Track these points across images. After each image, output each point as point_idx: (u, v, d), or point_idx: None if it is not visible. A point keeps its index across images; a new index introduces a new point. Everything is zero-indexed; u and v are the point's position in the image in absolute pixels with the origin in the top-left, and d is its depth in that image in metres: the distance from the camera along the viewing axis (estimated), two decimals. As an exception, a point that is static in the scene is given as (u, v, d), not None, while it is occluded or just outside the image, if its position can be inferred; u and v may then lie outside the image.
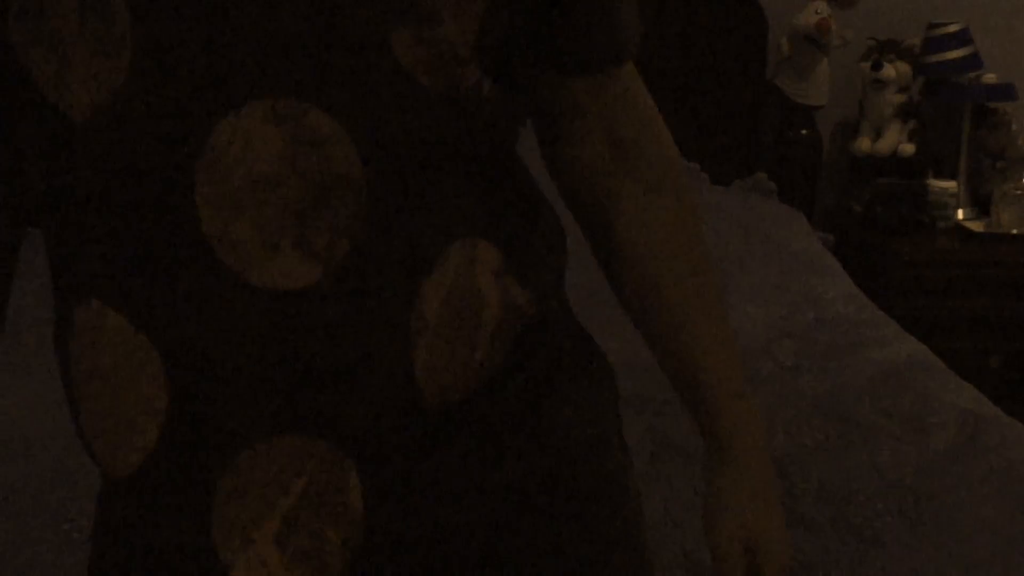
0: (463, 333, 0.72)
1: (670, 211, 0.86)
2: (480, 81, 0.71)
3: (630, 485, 0.86)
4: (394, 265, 0.69)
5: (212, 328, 0.68)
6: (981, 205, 2.89)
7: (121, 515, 0.75)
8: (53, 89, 0.68)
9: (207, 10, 0.64)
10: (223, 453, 0.70)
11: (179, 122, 0.66)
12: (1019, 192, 2.80)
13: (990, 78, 2.83)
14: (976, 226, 2.82)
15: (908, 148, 2.86)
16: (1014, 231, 2.77)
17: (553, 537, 0.78)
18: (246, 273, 0.67)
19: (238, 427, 0.69)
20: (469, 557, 0.75)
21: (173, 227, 0.67)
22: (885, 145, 2.87)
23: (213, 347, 0.68)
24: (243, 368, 0.68)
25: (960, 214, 2.87)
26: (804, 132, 2.88)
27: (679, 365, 0.89)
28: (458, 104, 0.70)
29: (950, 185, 2.84)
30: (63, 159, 0.70)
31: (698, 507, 1.53)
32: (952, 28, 2.81)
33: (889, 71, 2.83)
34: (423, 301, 0.70)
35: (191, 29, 0.64)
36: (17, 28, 0.67)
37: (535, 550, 0.77)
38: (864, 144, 2.90)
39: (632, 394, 1.74)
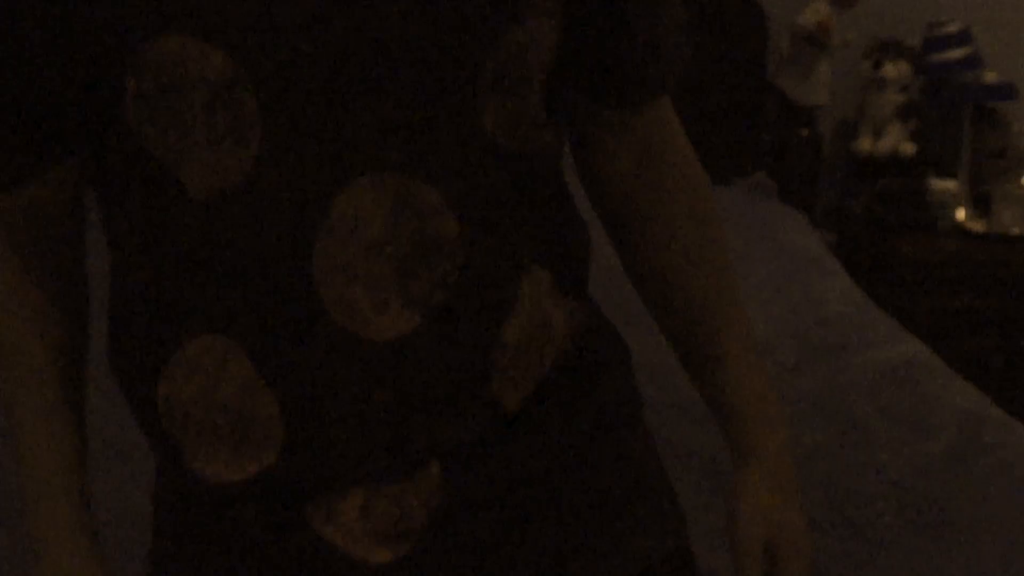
0: (536, 354, 0.83)
1: (698, 237, 0.92)
2: (544, 135, 0.82)
3: (651, 442, 0.96)
4: (482, 308, 0.79)
5: (326, 379, 0.77)
6: (981, 205, 2.89)
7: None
8: (173, 168, 0.75)
9: (327, 99, 0.72)
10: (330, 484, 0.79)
11: (300, 201, 0.73)
12: (1019, 192, 2.80)
13: (990, 78, 2.83)
14: (976, 226, 2.82)
15: (908, 148, 2.86)
16: (1014, 231, 2.77)
17: (601, 480, 0.88)
18: (358, 330, 0.76)
19: (344, 457, 0.78)
20: (535, 508, 0.84)
21: (290, 291, 0.75)
22: (885, 145, 2.87)
23: (326, 395, 0.77)
24: (351, 409, 0.77)
25: (960, 214, 2.87)
26: (804, 132, 2.88)
27: (703, 370, 0.95)
28: (533, 159, 0.81)
29: (950, 185, 2.84)
30: (173, 226, 0.77)
31: (699, 506, 1.54)
32: (952, 28, 2.81)
33: (889, 71, 2.83)
34: (504, 335, 0.80)
35: (314, 117, 0.72)
36: (137, 110, 0.74)
37: (587, 495, 0.87)
38: (864, 144, 2.90)
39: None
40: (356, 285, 0.75)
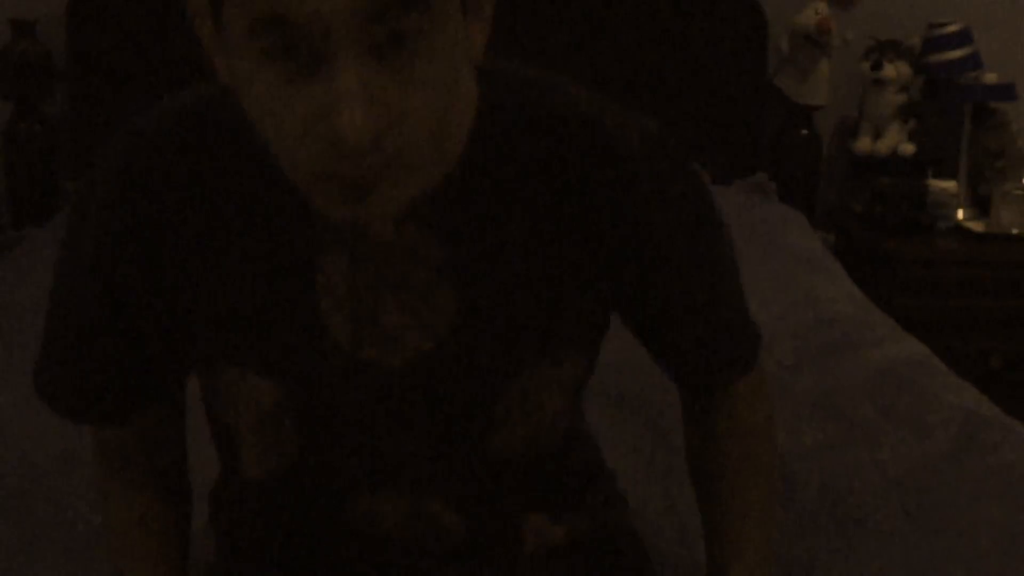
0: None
1: (756, 500, 1.04)
2: (559, 433, 0.94)
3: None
4: (492, 551, 0.96)
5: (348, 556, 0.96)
6: (981, 205, 2.89)
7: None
8: (224, 451, 0.97)
9: (351, 429, 0.88)
10: None
11: (327, 497, 0.92)
12: (1019, 192, 2.80)
13: (990, 78, 2.83)
14: (976, 226, 2.82)
15: (908, 148, 2.86)
16: (1014, 231, 2.77)
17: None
18: (383, 549, 0.94)
19: None
20: None
21: (322, 538, 0.95)
22: (885, 145, 2.87)
23: None
24: None
25: (960, 214, 2.87)
26: (804, 132, 2.88)
27: (713, 553, 1.05)
28: (540, 455, 0.93)
29: (950, 185, 2.84)
30: (236, 489, 0.99)
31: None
32: (952, 28, 2.81)
33: (889, 71, 2.83)
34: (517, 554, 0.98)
35: (340, 446, 0.88)
36: (209, 401, 0.94)
37: None
38: (864, 144, 2.90)
39: (632, 394, 1.74)
40: (378, 538, 0.94)
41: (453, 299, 0.84)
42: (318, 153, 0.69)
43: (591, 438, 1.08)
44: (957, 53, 2.81)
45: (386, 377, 0.85)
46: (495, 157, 0.84)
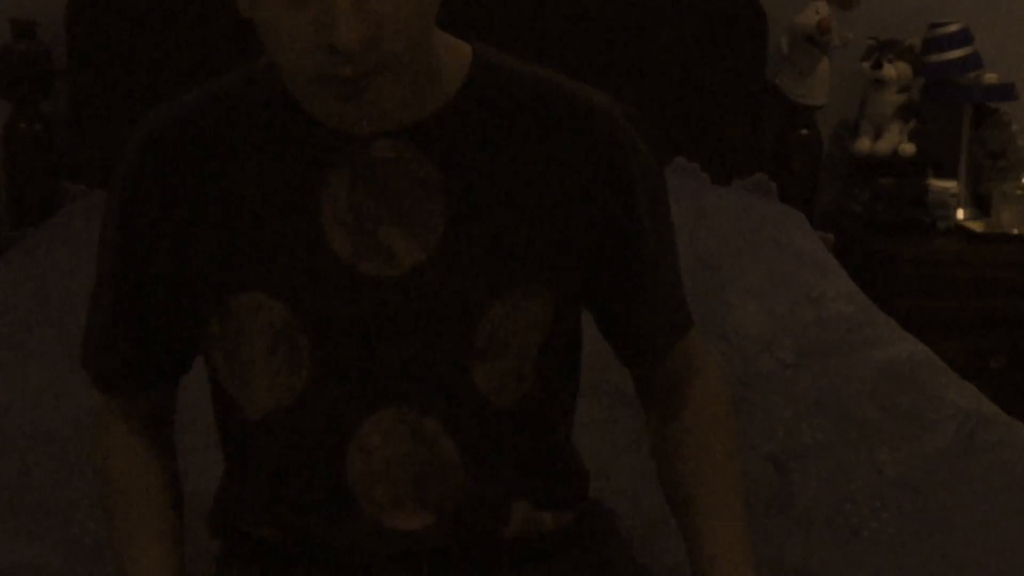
0: (534, 537, 1.06)
1: (715, 464, 1.10)
2: (532, 389, 1.01)
3: None
4: (484, 516, 1.02)
5: (352, 556, 1.01)
6: (981, 205, 2.89)
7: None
8: (235, 391, 1.01)
9: (358, 344, 0.95)
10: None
11: (337, 420, 0.98)
12: (1019, 192, 2.80)
13: (990, 78, 2.83)
14: (976, 226, 2.82)
15: (908, 148, 2.86)
16: (1014, 231, 2.77)
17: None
18: (380, 518, 1.00)
19: None
20: None
21: (328, 482, 0.99)
22: (885, 145, 2.87)
23: (358, 566, 1.01)
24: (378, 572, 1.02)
25: (960, 214, 2.87)
26: (804, 132, 2.88)
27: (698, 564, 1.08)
28: (521, 412, 1.01)
29: (950, 185, 2.84)
30: (235, 436, 1.05)
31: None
32: (952, 28, 2.81)
33: (889, 71, 2.83)
34: (503, 533, 1.03)
35: (348, 357, 0.96)
36: (213, 348, 1.01)
37: None
38: (864, 144, 2.90)
39: (632, 394, 1.74)
40: (379, 485, 0.99)
41: (443, 215, 0.95)
42: (320, 59, 0.85)
43: (579, 458, 1.15)
44: (957, 53, 2.81)
45: (383, 290, 0.95)
46: (488, 101, 0.97)
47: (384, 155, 0.95)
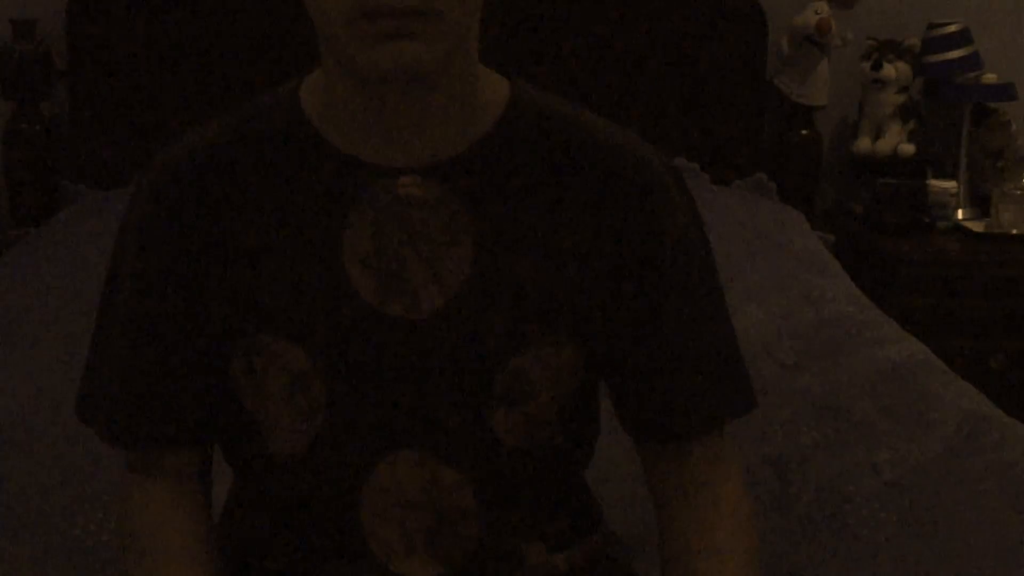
0: None
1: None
2: (553, 435, 0.98)
3: None
4: (496, 566, 0.98)
5: None
6: (981, 205, 2.89)
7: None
8: (266, 435, 0.97)
9: (375, 392, 0.92)
10: None
11: (353, 463, 0.94)
12: (1019, 192, 2.80)
13: (990, 78, 2.83)
14: (976, 226, 2.82)
15: (908, 148, 2.86)
16: (1014, 231, 2.77)
17: None
18: (390, 564, 0.97)
19: None
20: None
21: (340, 523, 0.97)
22: (885, 145, 2.87)
23: None
24: None
25: (960, 214, 2.87)
26: (804, 132, 2.88)
27: None
28: (538, 456, 0.97)
29: (950, 185, 2.84)
30: (258, 472, 1.00)
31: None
32: (952, 28, 2.81)
33: (889, 71, 2.83)
34: None
35: (369, 400, 0.93)
36: (239, 389, 0.97)
37: None
38: (864, 144, 2.90)
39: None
40: (391, 529, 0.96)
41: (469, 258, 0.91)
42: None
43: (591, 493, 1.10)
44: (957, 53, 2.81)
45: (408, 332, 0.91)
46: (521, 140, 0.93)
47: (411, 192, 0.90)
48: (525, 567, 1.00)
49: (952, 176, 2.89)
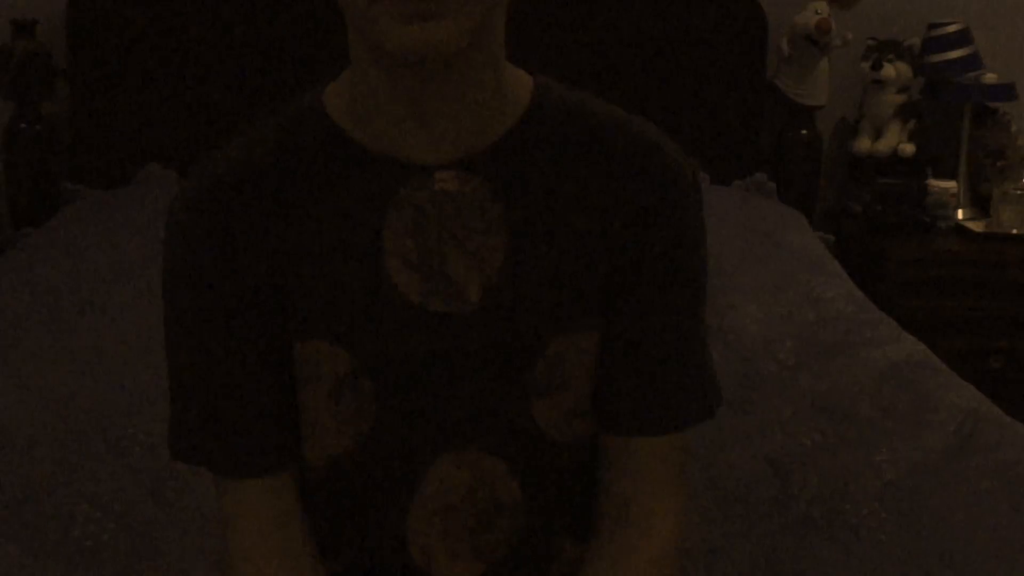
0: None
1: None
2: (589, 427, 0.99)
3: None
4: (533, 561, 0.99)
5: None
6: (981, 205, 2.89)
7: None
8: (306, 440, 0.97)
9: (421, 388, 0.94)
10: None
11: (404, 464, 0.95)
12: (1019, 192, 2.80)
13: (990, 78, 2.83)
14: (976, 226, 2.82)
15: (908, 148, 2.86)
16: (1014, 231, 2.77)
17: None
18: (431, 569, 0.98)
19: None
20: None
21: (384, 529, 0.97)
22: (885, 145, 2.87)
23: None
24: None
25: (960, 214, 2.87)
26: (804, 132, 2.88)
27: None
28: (575, 447, 0.99)
29: (950, 185, 2.84)
30: (303, 483, 0.99)
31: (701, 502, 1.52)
32: (952, 28, 2.81)
33: (889, 71, 2.83)
34: (552, 574, 1.01)
35: (412, 402, 0.94)
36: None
37: None
38: (864, 144, 2.90)
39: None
40: (435, 538, 0.97)
41: (504, 248, 0.92)
42: None
43: None
44: (957, 53, 2.81)
45: (453, 326, 0.93)
46: (548, 133, 0.95)
47: (447, 188, 0.92)
48: (562, 560, 1.01)
49: (952, 176, 2.89)
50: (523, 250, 0.93)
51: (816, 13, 2.75)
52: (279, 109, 0.98)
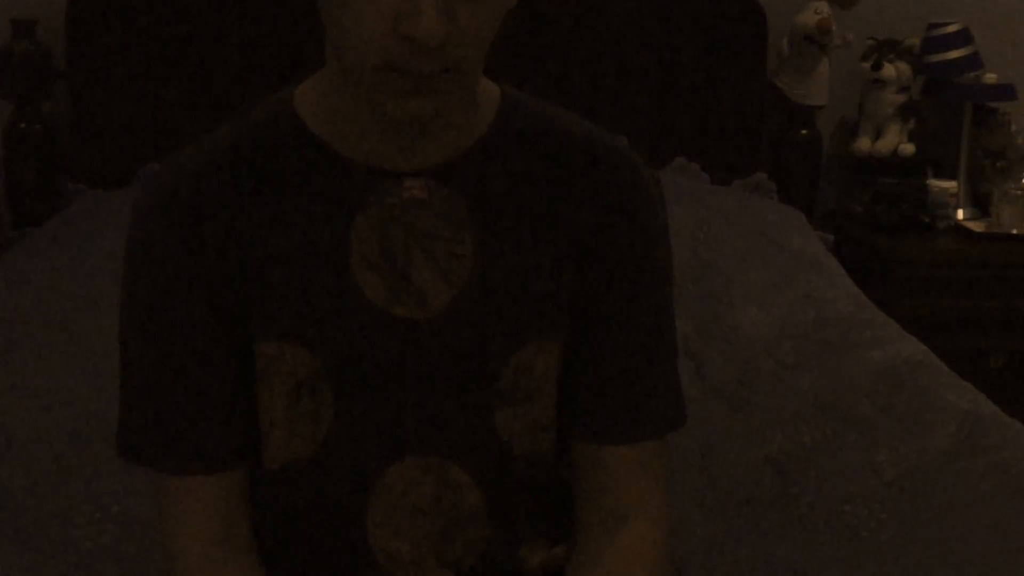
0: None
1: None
2: (553, 440, 0.99)
3: None
4: (499, 573, 0.99)
5: None
6: (981, 205, 2.89)
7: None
8: (264, 442, 0.96)
9: (383, 392, 0.93)
10: None
11: (359, 470, 0.95)
12: (1019, 192, 2.80)
13: (990, 78, 2.83)
14: (976, 226, 2.82)
15: (908, 148, 2.86)
16: (1014, 231, 2.77)
17: None
18: (395, 574, 0.96)
19: None
20: None
21: (345, 535, 0.96)
22: (885, 145, 2.87)
23: None
24: None
25: (960, 214, 2.87)
26: (804, 132, 2.88)
27: None
28: (537, 459, 0.98)
29: (950, 185, 2.84)
30: (256, 488, 0.98)
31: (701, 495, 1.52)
32: (952, 28, 2.81)
33: (889, 71, 2.83)
34: None
35: (377, 403, 0.94)
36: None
37: None
38: (864, 144, 2.90)
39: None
40: (399, 540, 0.96)
41: (471, 256, 0.93)
42: (394, 49, 0.82)
43: None
44: (957, 53, 2.81)
45: (416, 332, 0.93)
46: (515, 143, 0.96)
47: (416, 195, 0.93)
48: (528, 568, 1.01)
49: (952, 176, 2.89)
50: (490, 259, 0.94)
51: (816, 13, 2.75)
52: (248, 109, 0.99)
